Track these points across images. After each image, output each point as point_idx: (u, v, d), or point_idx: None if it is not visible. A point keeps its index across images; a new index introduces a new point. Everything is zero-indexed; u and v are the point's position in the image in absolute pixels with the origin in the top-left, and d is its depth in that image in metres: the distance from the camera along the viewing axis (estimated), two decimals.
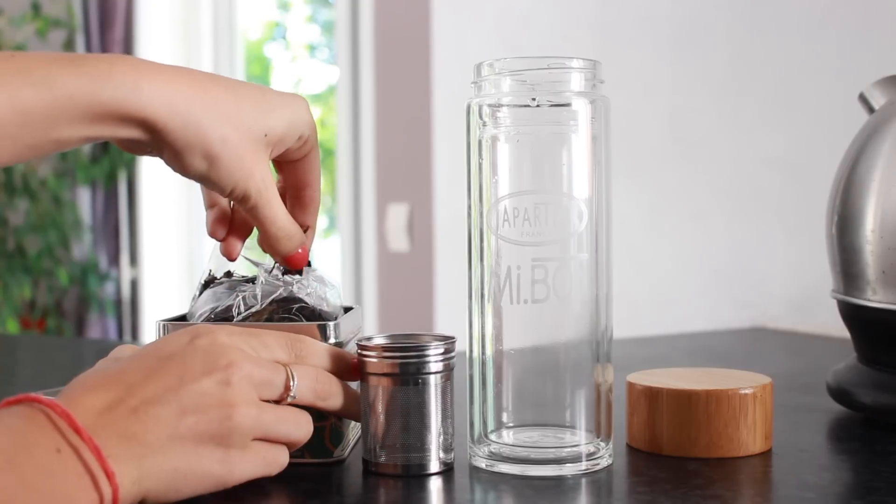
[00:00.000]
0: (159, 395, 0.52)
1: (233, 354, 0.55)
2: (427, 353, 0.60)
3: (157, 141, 0.56)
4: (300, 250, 0.65)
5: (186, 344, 0.55)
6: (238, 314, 0.63)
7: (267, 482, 0.58)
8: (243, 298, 0.64)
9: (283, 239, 0.63)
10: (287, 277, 0.65)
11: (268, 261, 0.67)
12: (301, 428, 0.58)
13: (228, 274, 0.68)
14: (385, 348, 0.60)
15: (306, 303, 0.64)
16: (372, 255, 2.43)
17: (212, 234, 0.67)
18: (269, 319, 0.63)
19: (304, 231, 0.66)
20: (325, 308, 0.65)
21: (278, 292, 0.64)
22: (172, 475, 0.52)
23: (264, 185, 0.60)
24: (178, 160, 0.58)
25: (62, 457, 0.47)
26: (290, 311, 0.64)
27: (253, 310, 0.64)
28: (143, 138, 0.56)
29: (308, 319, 0.64)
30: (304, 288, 0.65)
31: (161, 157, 0.58)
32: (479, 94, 0.63)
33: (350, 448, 0.66)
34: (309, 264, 0.67)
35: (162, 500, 0.52)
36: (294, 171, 0.66)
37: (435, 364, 0.60)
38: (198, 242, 3.29)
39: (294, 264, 0.65)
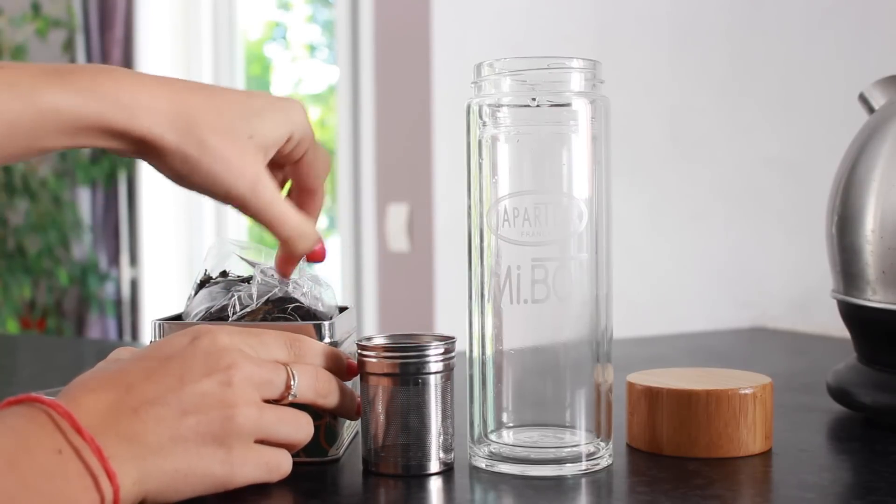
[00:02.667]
0: (160, 395, 0.52)
1: (233, 355, 0.55)
2: (427, 353, 0.60)
3: (140, 151, 0.58)
4: (319, 246, 0.64)
5: (187, 344, 0.55)
6: (233, 314, 0.64)
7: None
8: (238, 298, 0.64)
9: (297, 238, 0.63)
10: (282, 277, 0.66)
11: (263, 261, 0.67)
12: (301, 429, 0.58)
13: (224, 274, 0.68)
14: (385, 348, 0.60)
15: (301, 303, 0.64)
16: (372, 255, 2.43)
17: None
18: (263, 319, 0.64)
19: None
20: (319, 308, 0.65)
21: (273, 292, 0.64)
22: (173, 476, 0.52)
23: (260, 185, 0.60)
24: (162, 168, 0.59)
25: (63, 458, 0.47)
26: (284, 311, 0.64)
27: (248, 309, 0.64)
28: (125, 148, 0.57)
29: (303, 319, 0.64)
30: (300, 288, 0.65)
31: (149, 164, 0.59)
32: (479, 94, 0.63)
33: (345, 447, 0.66)
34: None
35: (162, 501, 0.52)
36: (295, 172, 0.66)
37: (435, 364, 0.60)
38: (198, 242, 3.29)
39: (316, 259, 0.65)
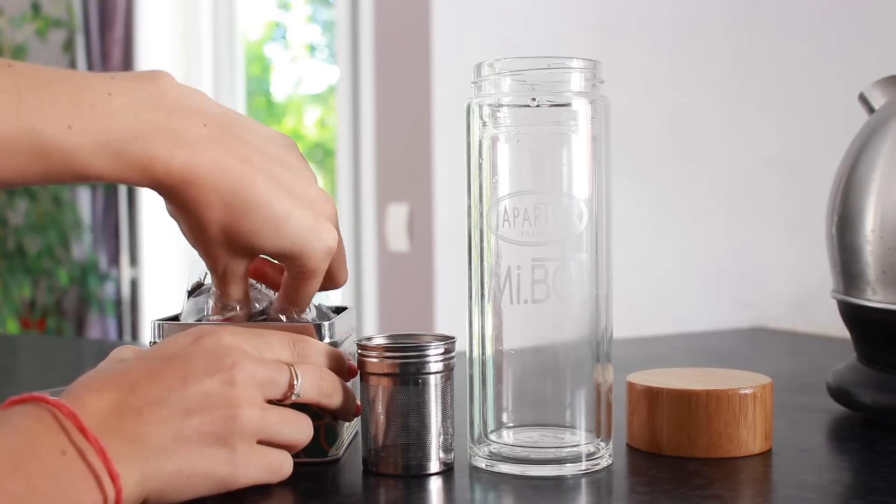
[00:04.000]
0: (163, 396, 0.52)
1: (236, 355, 0.55)
2: (427, 353, 0.60)
3: (166, 194, 0.58)
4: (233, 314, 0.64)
5: (190, 344, 0.55)
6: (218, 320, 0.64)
7: None
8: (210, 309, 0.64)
9: (223, 298, 0.63)
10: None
11: None
12: (302, 431, 0.58)
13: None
14: (385, 348, 0.60)
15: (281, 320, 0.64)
16: (372, 255, 2.43)
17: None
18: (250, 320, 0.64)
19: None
20: (306, 317, 0.65)
21: (259, 305, 0.64)
22: (176, 476, 0.52)
23: (223, 272, 0.61)
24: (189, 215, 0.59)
25: (67, 459, 0.47)
26: (266, 319, 0.64)
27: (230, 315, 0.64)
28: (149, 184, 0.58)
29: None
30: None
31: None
32: (480, 94, 0.63)
33: (345, 448, 0.66)
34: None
35: (164, 501, 0.52)
36: (289, 277, 0.63)
37: (435, 364, 0.60)
38: None
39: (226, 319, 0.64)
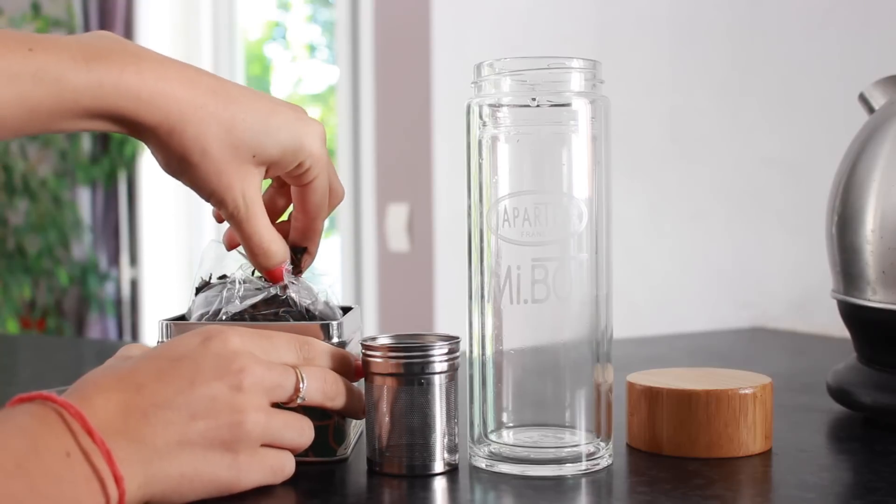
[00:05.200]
0: (170, 398, 0.52)
1: (244, 359, 0.55)
2: (431, 353, 0.60)
3: (142, 138, 0.59)
4: (282, 267, 0.65)
5: (198, 345, 0.55)
6: (225, 316, 0.64)
7: None
8: (227, 299, 0.64)
9: (259, 256, 0.64)
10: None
11: None
12: (304, 435, 0.58)
13: (224, 277, 0.68)
14: (390, 348, 0.60)
15: (291, 306, 0.65)
16: (372, 255, 2.43)
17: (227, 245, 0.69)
18: (253, 319, 0.64)
19: (303, 251, 0.67)
20: (313, 308, 0.65)
21: (262, 295, 0.65)
22: (178, 480, 0.52)
23: (243, 201, 0.61)
24: (157, 157, 0.60)
25: (71, 461, 0.47)
26: (276, 315, 0.64)
27: (234, 311, 0.64)
28: (129, 133, 0.59)
29: (296, 321, 0.64)
30: (293, 287, 0.65)
31: (146, 146, 0.61)
32: (479, 94, 0.63)
33: (352, 447, 0.66)
34: (299, 272, 0.67)
35: None
36: (298, 195, 0.66)
37: (439, 364, 0.60)
38: (197, 242, 3.29)
39: (270, 278, 0.65)
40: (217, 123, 0.59)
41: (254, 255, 0.64)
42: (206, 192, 0.61)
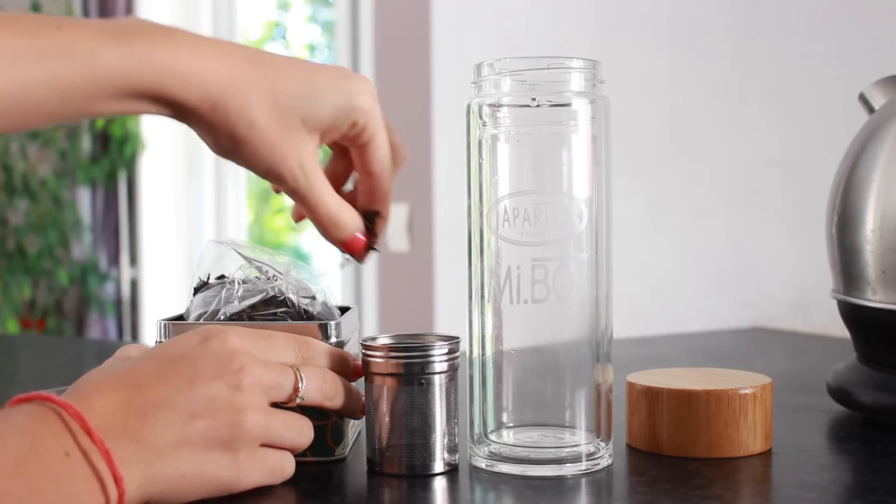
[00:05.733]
0: (169, 398, 0.52)
1: (243, 358, 0.55)
2: (432, 353, 0.60)
3: (187, 120, 0.57)
4: (357, 235, 0.62)
5: (197, 345, 0.55)
6: (223, 316, 0.64)
7: None
8: (226, 299, 0.64)
9: (330, 227, 0.61)
10: (274, 278, 0.66)
11: (257, 254, 0.67)
12: (303, 435, 0.58)
13: (222, 277, 0.68)
14: (390, 348, 0.60)
15: (289, 306, 0.65)
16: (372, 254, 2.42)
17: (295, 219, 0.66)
18: (251, 319, 0.64)
19: (375, 216, 0.64)
20: (311, 309, 0.65)
21: (260, 296, 0.65)
22: (178, 480, 0.52)
23: (301, 171, 0.59)
24: (206, 139, 0.58)
25: (70, 461, 0.47)
26: (274, 315, 0.64)
27: (233, 311, 0.64)
28: (173, 115, 0.56)
29: (293, 321, 0.64)
30: (291, 287, 0.65)
31: (194, 131, 0.58)
32: (479, 94, 0.63)
33: (350, 447, 0.66)
34: (375, 249, 0.65)
35: None
36: (358, 157, 0.63)
37: (440, 364, 0.60)
38: (197, 242, 3.29)
39: (349, 250, 0.62)
40: (259, 92, 0.56)
41: (324, 228, 0.62)
42: (262, 167, 0.58)
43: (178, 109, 0.56)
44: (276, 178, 0.59)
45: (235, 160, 0.59)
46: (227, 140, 0.57)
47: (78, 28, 0.52)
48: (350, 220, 0.62)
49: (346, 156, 0.65)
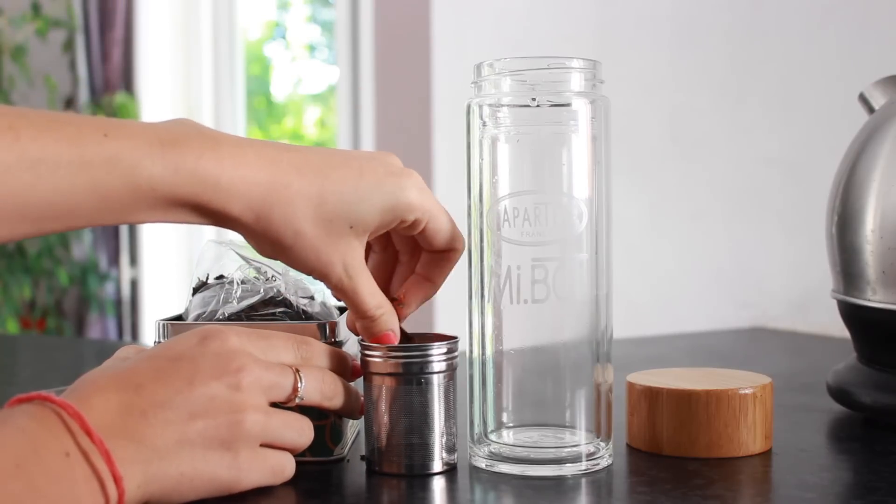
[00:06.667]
0: (169, 398, 0.52)
1: (243, 358, 0.55)
2: (430, 352, 0.60)
3: (230, 227, 0.56)
4: (390, 334, 0.62)
5: (196, 345, 0.55)
6: (222, 316, 0.64)
7: None
8: (225, 300, 0.64)
9: (368, 324, 0.61)
10: (273, 278, 0.66)
11: (256, 255, 0.67)
12: (304, 435, 0.58)
13: (221, 277, 0.68)
14: (389, 348, 0.60)
15: (287, 308, 0.65)
16: None
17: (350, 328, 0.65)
18: (250, 319, 0.64)
19: (403, 303, 0.64)
20: (310, 309, 0.65)
21: (259, 296, 0.65)
22: (178, 479, 0.52)
23: (345, 273, 0.59)
24: (251, 242, 0.58)
25: (70, 461, 0.47)
26: (272, 315, 0.64)
27: (231, 311, 0.64)
28: (216, 224, 0.56)
29: (292, 320, 0.64)
30: (290, 288, 0.65)
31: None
32: (480, 94, 0.63)
33: (349, 447, 0.66)
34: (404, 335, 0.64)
35: (166, 503, 0.52)
36: (425, 241, 0.62)
37: (438, 364, 0.60)
38: (197, 242, 3.29)
39: (376, 342, 0.62)
40: (306, 201, 0.56)
41: (362, 325, 0.62)
42: (307, 270, 0.59)
43: (221, 219, 0.55)
44: (322, 278, 0.59)
45: (281, 261, 0.59)
46: (271, 247, 0.57)
47: (123, 137, 0.51)
48: (387, 321, 0.62)
49: (389, 248, 0.65)
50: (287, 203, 0.56)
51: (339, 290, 0.60)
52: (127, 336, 3.40)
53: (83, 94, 3.24)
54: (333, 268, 0.58)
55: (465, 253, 0.64)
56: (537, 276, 0.61)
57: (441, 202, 0.62)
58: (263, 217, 0.55)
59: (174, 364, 0.53)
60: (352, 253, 0.59)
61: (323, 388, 0.59)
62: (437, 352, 0.60)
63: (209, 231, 3.27)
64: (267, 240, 0.57)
